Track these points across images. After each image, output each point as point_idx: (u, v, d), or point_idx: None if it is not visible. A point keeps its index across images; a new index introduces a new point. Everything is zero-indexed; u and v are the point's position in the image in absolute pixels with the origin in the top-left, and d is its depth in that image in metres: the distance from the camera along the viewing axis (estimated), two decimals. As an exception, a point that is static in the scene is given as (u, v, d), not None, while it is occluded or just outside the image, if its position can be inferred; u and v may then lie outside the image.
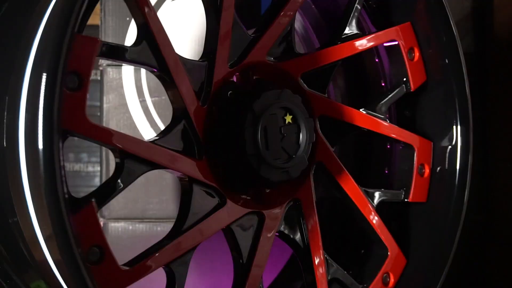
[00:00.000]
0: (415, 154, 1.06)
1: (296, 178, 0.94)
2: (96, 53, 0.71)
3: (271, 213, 0.92)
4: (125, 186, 0.76)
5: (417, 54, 1.06)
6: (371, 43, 1.01)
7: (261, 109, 0.86)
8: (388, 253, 1.02)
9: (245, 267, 0.87)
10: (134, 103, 1.11)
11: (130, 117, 1.05)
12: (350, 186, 0.99)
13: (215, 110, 0.87)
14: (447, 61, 1.04)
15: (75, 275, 0.67)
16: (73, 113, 0.69)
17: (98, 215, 0.72)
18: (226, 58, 0.86)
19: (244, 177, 0.88)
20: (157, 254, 0.77)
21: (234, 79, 0.91)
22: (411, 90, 1.05)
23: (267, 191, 0.94)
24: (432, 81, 1.06)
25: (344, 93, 1.16)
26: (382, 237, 1.02)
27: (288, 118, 0.89)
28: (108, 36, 1.07)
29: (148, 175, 0.80)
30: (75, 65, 0.69)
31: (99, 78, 1.12)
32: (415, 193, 1.06)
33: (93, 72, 0.71)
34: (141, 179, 0.80)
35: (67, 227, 0.65)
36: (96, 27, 1.08)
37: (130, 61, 0.77)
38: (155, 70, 0.79)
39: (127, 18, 1.08)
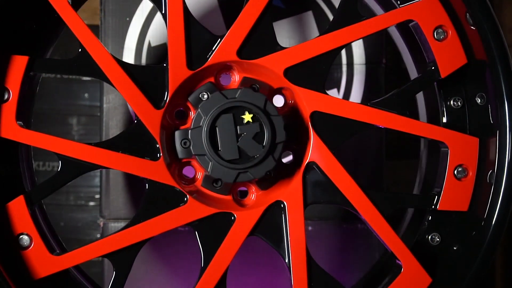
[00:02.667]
0: (448, 153, 0.89)
1: (279, 179, 0.91)
2: (23, 70, 0.83)
3: (244, 214, 0.90)
4: (63, 184, 0.86)
5: (449, 33, 0.88)
6: (377, 27, 0.89)
7: (207, 110, 0.86)
8: (402, 269, 0.88)
9: (203, 267, 0.88)
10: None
11: (130, 117, 1.10)
12: (351, 190, 0.89)
13: (172, 112, 0.90)
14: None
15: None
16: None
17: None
18: (183, 61, 0.88)
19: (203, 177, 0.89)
20: (93, 244, 0.85)
21: (213, 80, 0.92)
22: (441, 77, 0.88)
23: (243, 191, 0.92)
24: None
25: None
26: (394, 250, 0.88)
27: (248, 117, 0.87)
28: (108, 36, 1.10)
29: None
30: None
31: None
32: (448, 200, 0.88)
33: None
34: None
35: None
36: (96, 27, 1.09)
37: (72, 73, 0.86)
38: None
39: (127, 18, 1.10)
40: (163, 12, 0.88)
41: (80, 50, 0.85)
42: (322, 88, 0.90)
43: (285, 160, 0.93)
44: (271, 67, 0.90)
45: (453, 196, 0.88)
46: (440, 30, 0.89)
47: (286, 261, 0.89)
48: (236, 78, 0.92)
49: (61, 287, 0.86)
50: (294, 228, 0.89)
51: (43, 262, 0.84)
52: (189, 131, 0.86)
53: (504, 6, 1.22)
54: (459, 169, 0.88)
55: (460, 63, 0.88)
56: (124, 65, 0.87)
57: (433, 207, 0.89)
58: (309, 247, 0.89)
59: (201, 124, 0.86)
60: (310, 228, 1.10)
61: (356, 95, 1.13)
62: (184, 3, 0.88)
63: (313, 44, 0.89)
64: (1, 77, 0.83)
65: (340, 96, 1.13)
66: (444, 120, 0.92)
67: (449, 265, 0.89)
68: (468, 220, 0.89)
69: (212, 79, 0.91)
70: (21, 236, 0.84)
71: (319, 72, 0.90)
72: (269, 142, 0.86)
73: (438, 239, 0.91)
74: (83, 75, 0.87)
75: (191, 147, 0.86)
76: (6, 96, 0.83)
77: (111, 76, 0.86)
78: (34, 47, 0.87)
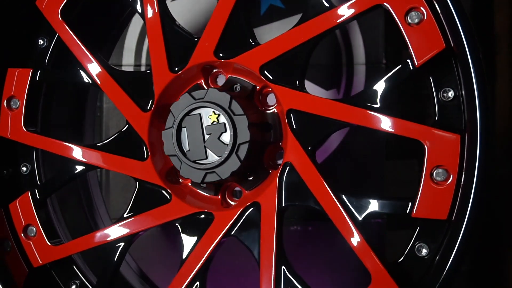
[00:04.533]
0: (425, 154, 0.78)
1: (263, 179, 0.89)
2: (27, 81, 0.95)
3: (222, 215, 0.89)
4: (65, 183, 0.96)
5: (424, 16, 0.77)
6: (346, 15, 0.81)
7: (177, 110, 0.88)
8: (371, 280, 0.80)
9: (184, 259, 0.89)
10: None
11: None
12: (322, 193, 0.83)
13: (161, 114, 0.93)
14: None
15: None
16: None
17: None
18: (165, 64, 0.91)
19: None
20: (83, 238, 0.93)
21: (202, 81, 0.93)
22: (416, 67, 0.78)
23: (224, 191, 0.92)
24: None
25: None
26: (363, 260, 0.80)
27: (214, 117, 0.86)
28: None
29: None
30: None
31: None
32: (424, 206, 0.77)
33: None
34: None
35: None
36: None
37: (68, 82, 0.95)
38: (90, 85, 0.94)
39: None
40: (139, 11, 0.91)
41: (71, 62, 0.94)
42: (297, 84, 0.86)
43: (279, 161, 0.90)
44: (247, 65, 0.88)
45: (430, 202, 0.77)
46: (413, 13, 0.78)
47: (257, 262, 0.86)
48: (224, 78, 0.92)
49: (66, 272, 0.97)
50: (265, 230, 0.86)
51: (45, 250, 0.94)
52: (162, 132, 0.89)
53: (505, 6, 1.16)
54: (437, 171, 0.77)
55: (437, 49, 0.77)
56: (113, 72, 0.93)
57: (407, 213, 0.79)
58: (309, 247, 0.86)
59: (172, 125, 0.88)
60: (310, 228, 1.05)
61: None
62: (159, 3, 0.90)
63: (284, 38, 0.85)
64: (9, 89, 0.95)
65: (340, 96, 1.06)
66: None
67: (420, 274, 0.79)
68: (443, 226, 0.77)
69: (201, 80, 0.93)
70: (30, 227, 0.95)
71: (293, 67, 0.86)
72: (232, 142, 0.85)
73: (426, 250, 0.80)
74: (78, 82, 0.95)
75: (163, 148, 0.89)
76: (16, 105, 0.96)
77: (102, 83, 0.93)
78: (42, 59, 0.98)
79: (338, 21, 0.82)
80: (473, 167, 0.72)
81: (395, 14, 0.78)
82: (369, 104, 0.81)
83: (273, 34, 1.00)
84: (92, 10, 0.98)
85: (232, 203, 0.92)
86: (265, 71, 0.87)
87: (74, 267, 0.98)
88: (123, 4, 1.00)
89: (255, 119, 0.87)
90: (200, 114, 0.87)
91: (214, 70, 0.92)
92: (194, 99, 0.87)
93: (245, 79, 0.90)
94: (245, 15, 0.88)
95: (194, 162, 0.87)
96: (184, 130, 0.87)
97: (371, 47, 1.08)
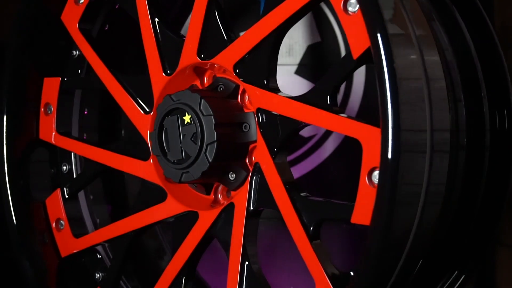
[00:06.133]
0: (363, 153, 0.71)
1: (237, 180, 0.88)
2: (57, 89, 1.05)
3: (205, 214, 0.90)
4: (88, 182, 1.04)
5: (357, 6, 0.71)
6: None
7: (161, 111, 0.90)
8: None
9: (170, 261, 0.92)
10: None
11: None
12: (280, 195, 0.80)
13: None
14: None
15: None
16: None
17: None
18: (159, 67, 0.94)
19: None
20: (97, 232, 1.01)
21: (198, 82, 0.95)
22: (353, 59, 0.71)
23: (216, 191, 0.92)
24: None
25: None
26: (309, 268, 0.76)
27: (187, 118, 0.88)
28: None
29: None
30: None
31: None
32: (360, 211, 0.71)
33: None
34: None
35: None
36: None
37: (87, 88, 1.03)
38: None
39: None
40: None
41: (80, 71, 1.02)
42: (264, 82, 0.83)
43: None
44: (223, 64, 0.88)
45: (366, 206, 0.70)
46: (352, 1, 0.72)
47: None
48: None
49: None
50: (236, 231, 0.86)
51: (70, 242, 1.04)
52: (150, 133, 0.93)
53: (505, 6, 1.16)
54: (374, 173, 0.70)
55: (366, 44, 0.69)
56: (118, 77, 0.99)
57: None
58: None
59: (156, 126, 0.91)
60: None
61: (356, 95, 0.96)
62: (149, 6, 0.93)
63: (249, 34, 0.84)
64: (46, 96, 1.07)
65: (340, 96, 0.97)
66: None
67: None
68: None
69: (197, 81, 0.95)
70: (60, 221, 1.05)
71: (259, 64, 0.84)
72: (199, 142, 0.85)
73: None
74: (94, 88, 1.03)
75: (151, 148, 0.93)
76: (51, 110, 1.06)
77: (110, 88, 0.99)
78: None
79: (294, 9, 0.78)
80: (385, 167, 0.64)
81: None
82: (316, 101, 0.76)
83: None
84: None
85: (218, 203, 0.92)
86: (237, 70, 0.86)
87: (100, 257, 1.06)
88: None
89: (225, 119, 0.86)
90: (177, 115, 0.89)
91: (206, 71, 0.93)
92: (173, 100, 0.89)
93: (229, 79, 0.90)
94: (219, 11, 0.88)
95: (173, 162, 0.89)
96: (165, 131, 0.90)
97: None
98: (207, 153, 0.85)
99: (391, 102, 0.63)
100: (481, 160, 0.82)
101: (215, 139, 0.85)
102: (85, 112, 1.11)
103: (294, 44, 1.08)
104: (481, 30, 0.87)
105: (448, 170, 0.66)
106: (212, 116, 0.85)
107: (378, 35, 0.64)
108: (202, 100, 0.86)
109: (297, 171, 1.16)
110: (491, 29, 0.87)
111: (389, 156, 0.63)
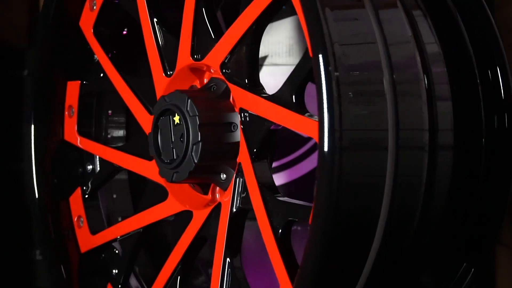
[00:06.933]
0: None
1: (228, 180, 0.88)
2: (77, 91, 1.10)
3: (198, 214, 0.91)
4: (104, 181, 1.08)
5: None
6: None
7: (156, 112, 0.92)
8: (279, 290, 0.73)
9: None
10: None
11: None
12: (255, 195, 0.79)
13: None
14: None
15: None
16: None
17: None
18: (160, 69, 0.96)
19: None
20: (110, 229, 1.04)
21: (197, 83, 0.95)
22: (311, 57, 0.69)
23: (213, 190, 0.92)
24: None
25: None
26: (275, 270, 0.74)
27: (177, 119, 0.89)
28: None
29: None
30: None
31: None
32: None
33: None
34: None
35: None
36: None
37: (101, 91, 1.07)
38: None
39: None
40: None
41: (102, 74, 1.06)
42: (245, 81, 0.83)
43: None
44: (211, 65, 0.88)
45: (321, 208, 0.68)
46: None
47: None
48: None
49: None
50: (220, 231, 0.86)
51: (88, 239, 1.08)
52: (148, 134, 0.95)
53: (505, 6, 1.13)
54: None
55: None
56: (127, 79, 1.02)
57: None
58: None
59: (152, 126, 0.93)
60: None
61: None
62: (148, 7, 0.95)
63: (228, 34, 0.84)
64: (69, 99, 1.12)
65: None
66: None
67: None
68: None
69: (196, 81, 0.96)
70: (81, 218, 1.10)
71: (240, 64, 0.83)
72: (186, 142, 0.86)
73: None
74: (106, 90, 1.07)
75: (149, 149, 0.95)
76: (73, 112, 1.11)
77: (120, 90, 1.02)
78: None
79: (259, 12, 0.77)
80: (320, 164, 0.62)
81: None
82: (283, 100, 0.74)
83: (273, 34, 0.96)
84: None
85: (213, 203, 0.92)
86: (224, 70, 0.86)
87: (117, 253, 1.09)
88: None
89: (211, 119, 0.86)
90: (169, 116, 0.90)
91: (205, 71, 0.94)
92: (166, 101, 0.90)
93: (221, 79, 0.90)
94: (207, 9, 0.88)
95: (166, 162, 0.90)
96: (160, 132, 0.91)
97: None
98: (193, 154, 0.86)
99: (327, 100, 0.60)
100: (472, 162, 0.76)
101: (199, 139, 0.85)
102: (109, 113, 1.16)
103: (294, 44, 1.05)
104: (479, 22, 0.81)
105: (396, 170, 0.63)
106: (196, 117, 0.85)
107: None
108: (189, 101, 0.86)
109: (297, 172, 1.14)
110: (491, 20, 0.80)
111: (323, 153, 0.61)
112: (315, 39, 0.62)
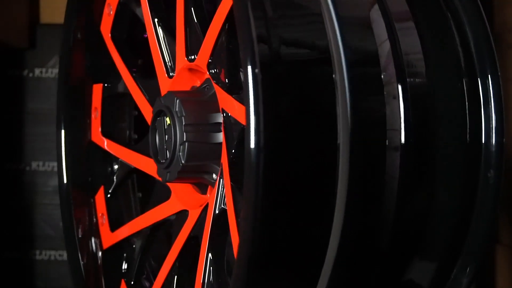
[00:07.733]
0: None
1: (213, 181, 0.89)
2: (100, 94, 1.14)
3: (192, 213, 0.91)
4: (122, 180, 1.11)
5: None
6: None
7: (153, 113, 0.93)
8: None
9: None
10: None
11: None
12: (228, 195, 0.79)
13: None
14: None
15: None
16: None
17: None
18: (163, 70, 0.98)
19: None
20: (122, 228, 1.07)
21: (197, 84, 0.96)
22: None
23: (205, 190, 0.92)
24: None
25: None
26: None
27: (168, 120, 0.90)
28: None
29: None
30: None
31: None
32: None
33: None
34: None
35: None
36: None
37: (120, 93, 1.10)
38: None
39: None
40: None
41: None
42: (225, 82, 0.83)
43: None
44: (200, 65, 0.89)
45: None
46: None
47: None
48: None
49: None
50: (205, 230, 0.86)
51: (108, 236, 1.12)
52: (148, 135, 0.97)
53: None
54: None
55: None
56: (138, 81, 1.04)
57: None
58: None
59: (151, 127, 0.95)
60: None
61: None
62: (150, 8, 0.96)
63: (209, 33, 0.84)
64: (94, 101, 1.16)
65: None
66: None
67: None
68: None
69: (197, 82, 0.96)
70: (103, 216, 1.14)
71: (220, 64, 0.83)
72: (173, 143, 0.87)
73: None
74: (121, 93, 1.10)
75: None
76: (95, 114, 1.16)
77: (133, 93, 1.05)
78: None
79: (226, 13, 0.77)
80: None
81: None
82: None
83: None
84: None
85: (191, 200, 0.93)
86: (210, 70, 0.86)
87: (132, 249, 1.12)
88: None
89: (197, 119, 0.87)
90: (163, 117, 0.91)
91: (201, 72, 0.94)
92: (161, 102, 0.92)
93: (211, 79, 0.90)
94: (196, 8, 0.88)
95: (161, 162, 0.92)
96: (156, 132, 0.93)
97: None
98: (180, 154, 0.87)
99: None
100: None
101: (184, 140, 0.86)
102: (135, 114, 1.19)
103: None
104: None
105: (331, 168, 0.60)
106: (182, 118, 0.86)
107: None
108: (177, 101, 0.88)
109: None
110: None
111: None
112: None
